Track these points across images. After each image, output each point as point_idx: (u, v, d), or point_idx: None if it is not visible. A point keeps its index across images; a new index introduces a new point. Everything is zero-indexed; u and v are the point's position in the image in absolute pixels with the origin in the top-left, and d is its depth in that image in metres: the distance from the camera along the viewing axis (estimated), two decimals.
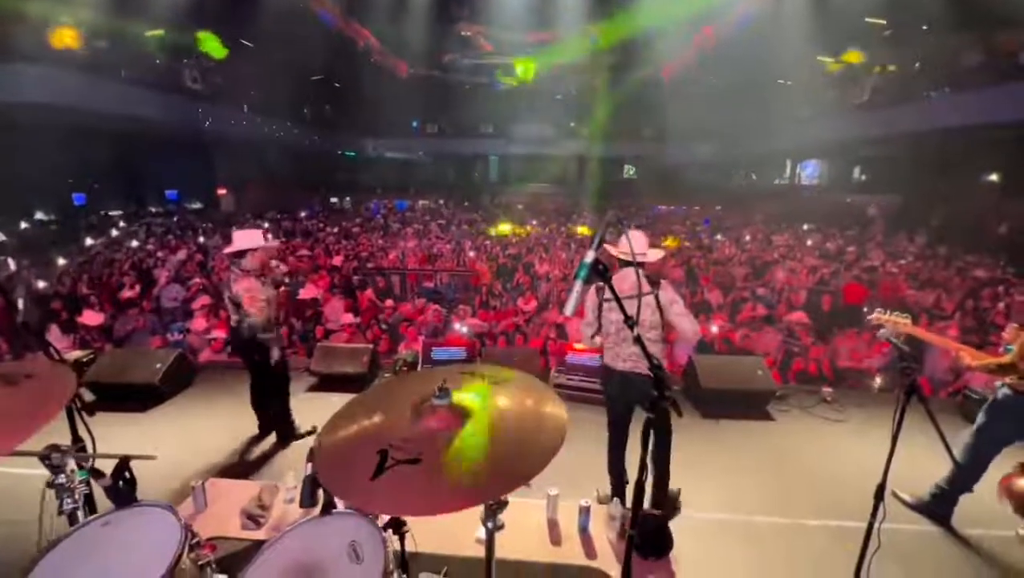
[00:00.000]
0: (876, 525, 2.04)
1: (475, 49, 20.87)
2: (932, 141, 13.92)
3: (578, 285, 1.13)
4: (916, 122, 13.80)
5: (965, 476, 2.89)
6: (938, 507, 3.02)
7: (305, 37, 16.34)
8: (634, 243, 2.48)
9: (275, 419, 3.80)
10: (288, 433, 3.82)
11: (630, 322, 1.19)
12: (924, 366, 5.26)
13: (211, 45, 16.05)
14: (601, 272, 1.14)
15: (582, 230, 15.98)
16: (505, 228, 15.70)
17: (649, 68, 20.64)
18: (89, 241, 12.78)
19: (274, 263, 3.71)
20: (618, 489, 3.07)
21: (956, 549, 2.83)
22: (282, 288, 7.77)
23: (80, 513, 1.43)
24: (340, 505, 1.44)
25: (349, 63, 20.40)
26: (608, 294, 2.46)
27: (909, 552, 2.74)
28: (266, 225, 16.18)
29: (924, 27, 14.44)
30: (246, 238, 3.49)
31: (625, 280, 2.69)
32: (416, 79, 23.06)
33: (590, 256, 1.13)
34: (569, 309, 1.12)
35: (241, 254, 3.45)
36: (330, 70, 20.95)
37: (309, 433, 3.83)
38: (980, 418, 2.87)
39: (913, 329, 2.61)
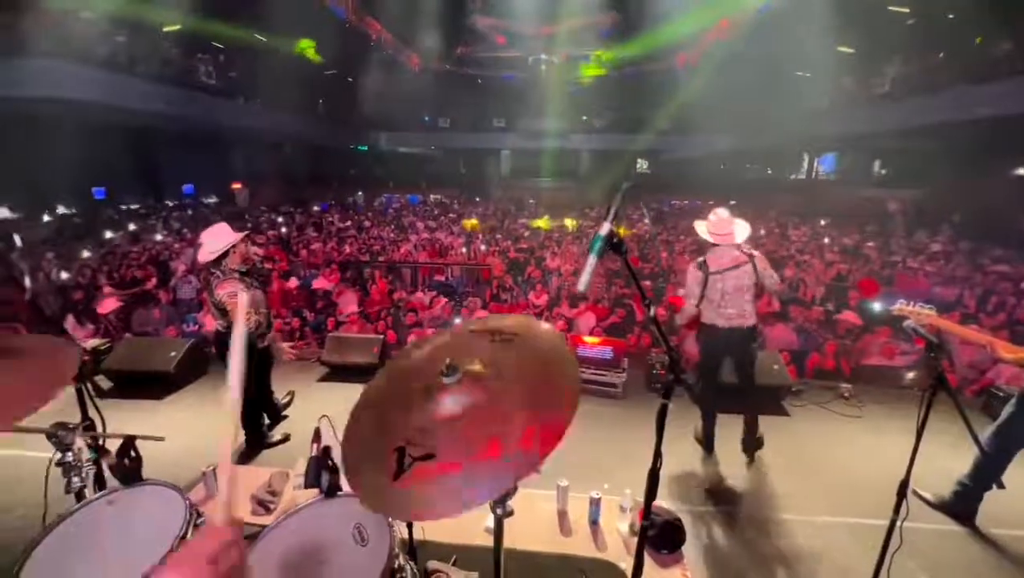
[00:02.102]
0: (899, 523, 1.98)
1: (488, 42, 20.76)
2: (956, 133, 13.49)
3: (592, 259, 1.08)
4: (940, 114, 13.35)
5: (988, 471, 2.79)
6: (962, 506, 2.92)
7: (318, 31, 16.41)
8: (721, 223, 3.21)
9: (248, 419, 3.53)
10: (259, 438, 3.60)
11: (647, 302, 1.15)
12: (953, 364, 5.10)
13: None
14: (616, 245, 1.09)
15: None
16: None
17: (664, 61, 20.41)
18: (109, 234, 13.05)
19: (252, 251, 3.47)
20: (708, 439, 3.52)
21: (981, 550, 2.73)
22: (292, 280, 7.77)
23: (88, 491, 1.44)
24: (345, 488, 1.42)
25: (362, 57, 20.46)
26: (713, 268, 3.17)
27: (931, 552, 2.66)
28: (280, 219, 16.38)
29: (949, 15, 14.00)
30: (219, 237, 3.22)
31: (725, 255, 3.20)
32: (428, 73, 23.05)
33: (605, 229, 1.08)
34: (582, 284, 1.08)
35: (224, 255, 3.20)
36: (343, 64, 21.02)
37: (281, 441, 3.65)
38: (1007, 411, 2.77)
39: (938, 320, 2.49)
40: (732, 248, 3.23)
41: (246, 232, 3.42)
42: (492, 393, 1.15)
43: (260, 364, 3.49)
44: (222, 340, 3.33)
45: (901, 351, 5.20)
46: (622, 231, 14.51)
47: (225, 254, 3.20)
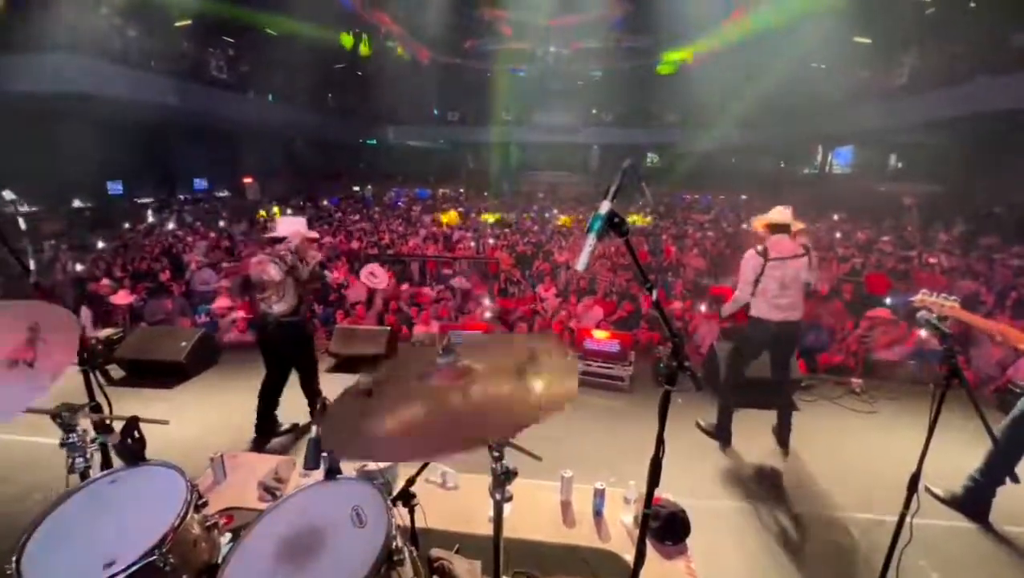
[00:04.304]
0: (909, 517, 1.94)
1: (496, 35, 20.62)
2: (975, 127, 13.15)
3: (591, 239, 1.06)
4: (959, 106, 13.01)
5: (1000, 466, 2.73)
6: (974, 501, 2.86)
7: (327, 27, 16.43)
8: (783, 213, 3.26)
9: (263, 405, 3.63)
10: (269, 426, 3.68)
11: (648, 285, 1.13)
12: (971, 362, 4.98)
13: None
14: (617, 225, 1.07)
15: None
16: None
17: (677, 52, 20.12)
18: (126, 225, 13.27)
19: (311, 254, 3.62)
20: (725, 432, 3.55)
21: (993, 546, 2.68)
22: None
23: (93, 472, 1.46)
24: (345, 471, 1.42)
25: (371, 51, 20.43)
26: (773, 255, 3.18)
27: (942, 549, 2.61)
28: (289, 211, 16.48)
29: (971, 4, 13.63)
30: (289, 225, 3.47)
31: (785, 245, 3.22)
32: (437, 66, 22.98)
33: (605, 208, 1.06)
34: (581, 264, 1.06)
35: (279, 239, 3.41)
36: (353, 58, 21.00)
37: (290, 430, 3.71)
38: (1021, 405, 2.71)
39: (959, 312, 2.41)
40: (790, 239, 3.25)
41: (316, 238, 3.66)
42: (457, 398, 1.18)
43: (298, 348, 3.55)
44: (260, 323, 3.45)
45: (895, 341, 5.09)
46: (641, 218, 14.46)
47: (283, 239, 3.38)
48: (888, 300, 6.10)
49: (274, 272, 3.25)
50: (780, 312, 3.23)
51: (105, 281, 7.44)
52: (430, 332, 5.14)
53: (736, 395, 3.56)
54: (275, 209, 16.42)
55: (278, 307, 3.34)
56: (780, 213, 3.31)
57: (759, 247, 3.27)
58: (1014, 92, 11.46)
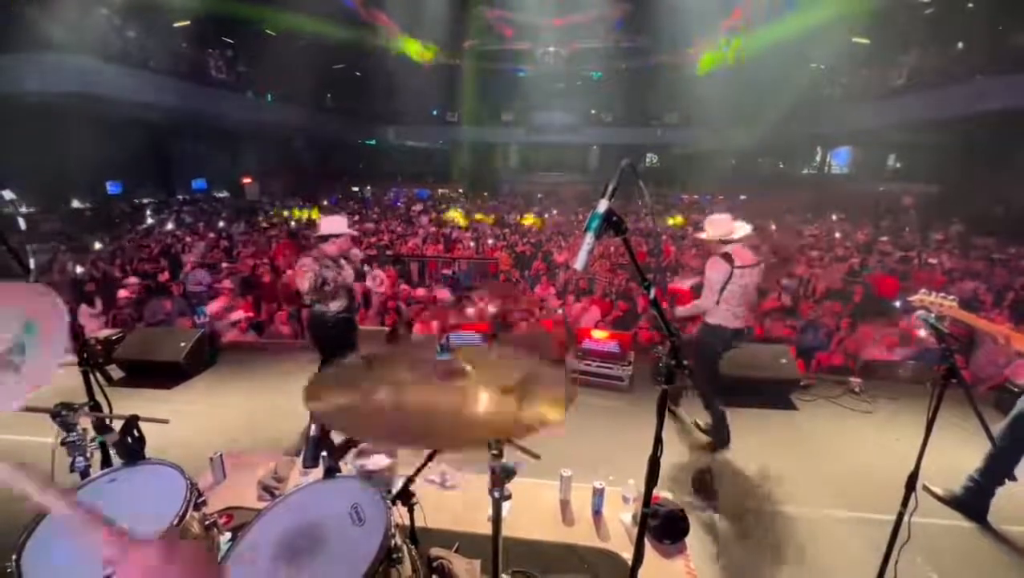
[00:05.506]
0: (907, 516, 1.94)
1: (496, 35, 20.61)
2: (975, 126, 13.17)
3: (589, 238, 1.06)
4: (958, 106, 13.04)
5: (1000, 466, 2.73)
6: (973, 501, 2.86)
7: (327, 24, 16.43)
8: (722, 225, 3.18)
9: None
10: None
11: (646, 284, 1.13)
12: (970, 364, 4.99)
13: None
14: (615, 224, 1.07)
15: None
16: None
17: (674, 54, 20.12)
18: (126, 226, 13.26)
19: (354, 252, 3.67)
20: (721, 434, 3.48)
21: (991, 546, 2.68)
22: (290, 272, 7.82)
23: (93, 471, 1.46)
24: (344, 469, 1.42)
25: (370, 51, 20.44)
26: (738, 262, 3.09)
27: (940, 547, 2.61)
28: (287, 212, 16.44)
29: (969, 4, 13.67)
30: (331, 224, 3.51)
31: (745, 252, 3.19)
32: (436, 67, 22.97)
33: (603, 206, 1.05)
34: (580, 263, 1.06)
35: (324, 238, 3.45)
36: (352, 58, 21.01)
37: None
38: (1019, 405, 2.70)
39: (959, 312, 2.41)
40: (747, 247, 3.22)
41: (355, 234, 3.74)
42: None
43: (349, 341, 3.60)
44: (309, 324, 3.53)
45: (900, 343, 5.10)
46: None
47: (326, 238, 3.44)
48: (898, 303, 6.04)
49: (307, 288, 3.30)
50: (737, 321, 3.20)
51: (132, 280, 7.46)
52: (429, 335, 5.14)
53: (713, 398, 3.48)
54: (276, 210, 16.42)
55: (334, 305, 3.44)
56: (722, 226, 3.16)
57: (723, 251, 3.14)
58: (1012, 92, 11.49)
